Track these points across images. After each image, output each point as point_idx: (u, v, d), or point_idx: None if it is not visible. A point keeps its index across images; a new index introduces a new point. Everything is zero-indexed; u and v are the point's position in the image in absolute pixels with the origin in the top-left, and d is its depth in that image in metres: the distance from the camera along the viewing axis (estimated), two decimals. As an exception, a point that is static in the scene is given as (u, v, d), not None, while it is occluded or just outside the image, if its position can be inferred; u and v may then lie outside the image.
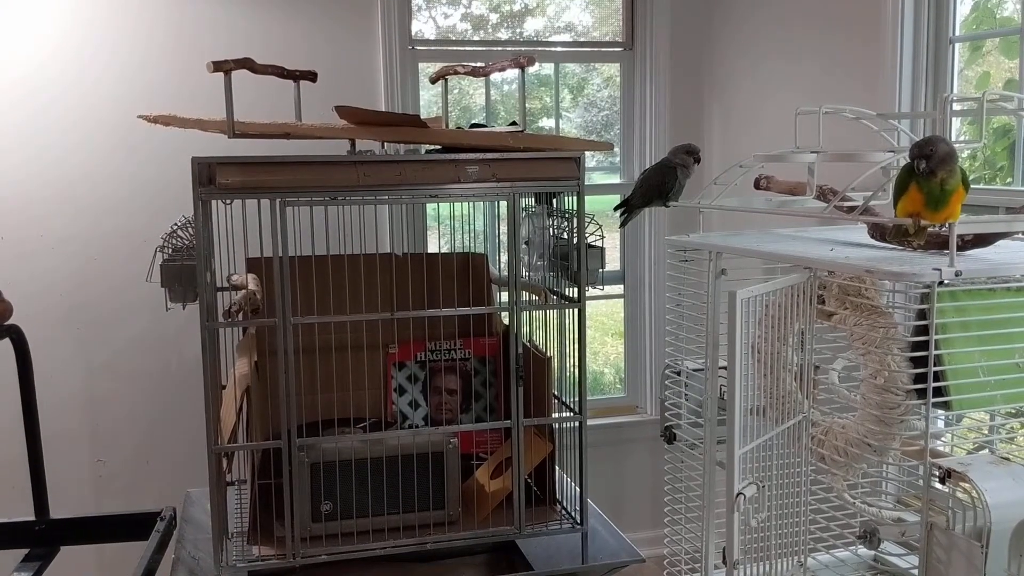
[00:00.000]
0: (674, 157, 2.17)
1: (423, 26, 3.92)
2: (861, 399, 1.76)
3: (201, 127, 2.34)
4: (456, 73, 2.57)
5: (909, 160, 1.52)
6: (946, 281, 1.49)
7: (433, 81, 2.69)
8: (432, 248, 3.68)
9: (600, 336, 6.22)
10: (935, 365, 1.63)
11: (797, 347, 1.78)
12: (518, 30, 4.10)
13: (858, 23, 2.98)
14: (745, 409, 1.58)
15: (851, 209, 1.76)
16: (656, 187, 2.20)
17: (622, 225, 2.32)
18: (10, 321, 2.23)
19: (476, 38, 3.94)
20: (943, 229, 1.55)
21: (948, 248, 1.50)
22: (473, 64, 2.53)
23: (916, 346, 1.62)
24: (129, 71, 3.34)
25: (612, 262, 4.20)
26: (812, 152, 1.83)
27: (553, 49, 3.98)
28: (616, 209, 2.30)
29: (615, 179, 4.17)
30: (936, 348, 1.63)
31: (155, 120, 2.41)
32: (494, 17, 4.08)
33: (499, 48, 3.81)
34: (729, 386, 1.48)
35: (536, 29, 4.09)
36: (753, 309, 1.59)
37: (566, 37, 4.08)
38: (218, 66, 2.15)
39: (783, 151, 1.89)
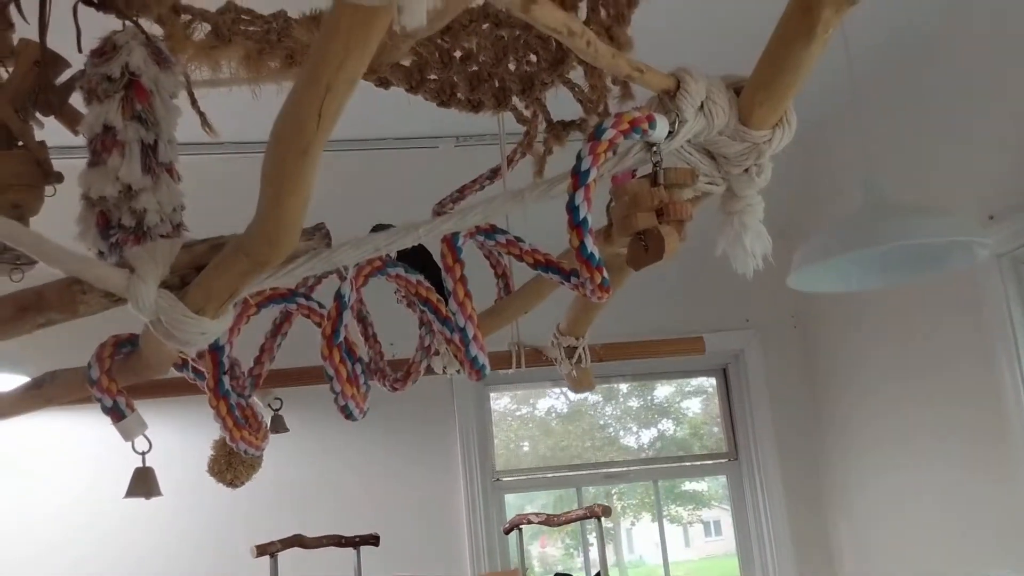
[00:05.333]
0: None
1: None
2: None
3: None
4: (529, 523, 2.34)
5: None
6: None
7: (507, 532, 2.46)
8: None
9: None
10: None
11: None
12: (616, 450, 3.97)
13: (975, 407, 2.68)
14: None
15: None
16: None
17: None
18: None
19: (572, 463, 3.78)
20: None
21: None
22: (547, 513, 2.31)
23: None
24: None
25: None
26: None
27: (653, 467, 3.76)
28: None
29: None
30: None
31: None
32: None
33: (585, 472, 3.62)
34: None
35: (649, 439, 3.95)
36: None
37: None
38: (263, 550, 1.99)
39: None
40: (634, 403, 3.99)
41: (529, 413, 3.90)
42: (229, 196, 2.17)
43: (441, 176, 2.66)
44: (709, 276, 3.09)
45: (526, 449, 3.78)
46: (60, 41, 1.27)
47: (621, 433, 3.97)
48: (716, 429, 3.90)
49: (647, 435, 3.97)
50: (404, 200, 2.72)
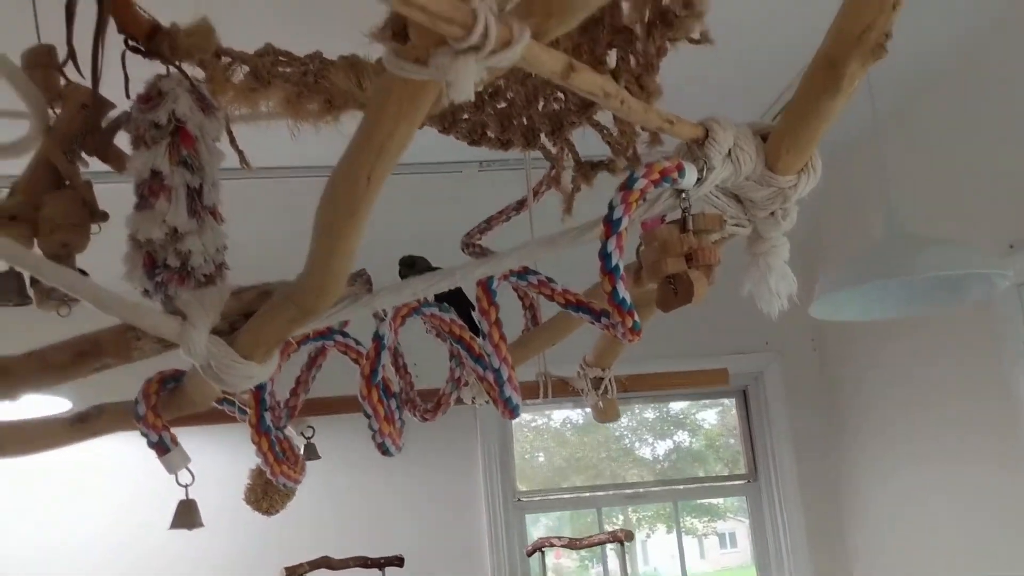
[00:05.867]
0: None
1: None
2: None
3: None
4: (552, 546, 2.37)
5: None
6: None
7: (529, 554, 2.48)
8: None
9: None
10: None
11: None
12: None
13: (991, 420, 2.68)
14: None
15: None
16: None
17: None
18: None
19: (587, 475, 3.79)
20: None
21: None
22: (570, 537, 2.33)
23: None
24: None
25: None
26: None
27: (672, 488, 3.76)
28: None
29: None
30: None
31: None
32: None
33: (607, 492, 3.62)
34: None
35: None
36: None
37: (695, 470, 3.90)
38: (291, 571, 2.03)
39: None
40: (650, 414, 4.00)
41: (544, 424, 3.91)
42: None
43: (465, 200, 2.70)
44: (729, 299, 3.10)
45: (541, 460, 3.79)
46: (103, 84, 1.31)
47: (637, 445, 3.98)
48: (732, 441, 3.90)
49: (663, 447, 3.98)
50: (428, 224, 2.77)
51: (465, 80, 0.66)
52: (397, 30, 0.70)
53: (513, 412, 1.09)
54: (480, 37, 0.65)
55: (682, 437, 4.04)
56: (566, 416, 3.94)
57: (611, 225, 0.98)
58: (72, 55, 1.16)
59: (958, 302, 2.03)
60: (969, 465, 2.84)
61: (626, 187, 0.99)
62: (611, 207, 0.99)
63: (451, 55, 0.66)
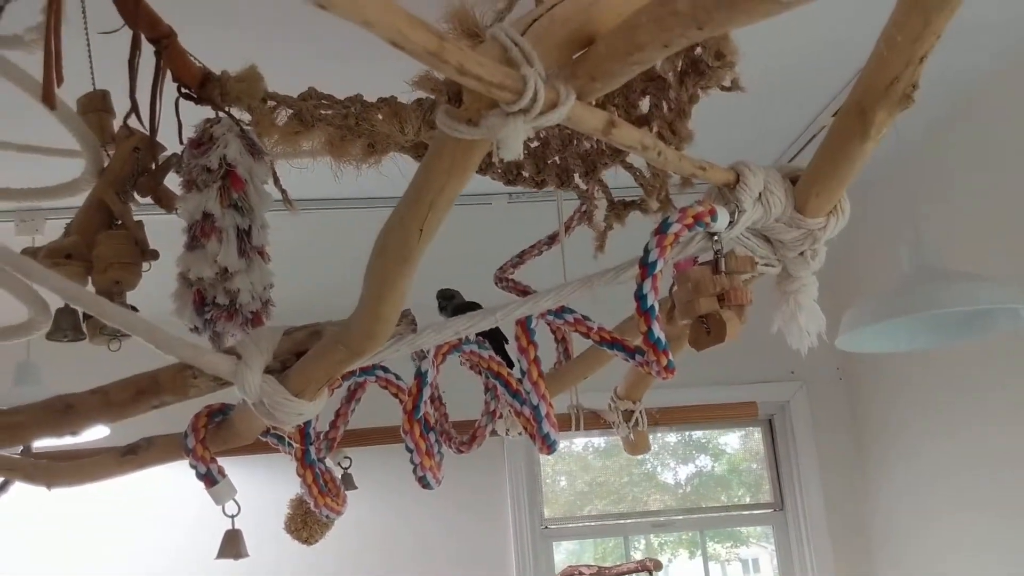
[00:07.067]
0: None
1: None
2: None
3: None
4: (580, 574, 2.39)
5: None
6: None
7: (558, 583, 2.50)
8: None
9: None
10: None
11: None
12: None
13: None
14: None
15: None
16: None
17: None
18: None
19: (611, 501, 3.79)
20: None
21: None
22: (598, 565, 2.35)
23: None
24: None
25: None
26: None
27: (698, 516, 3.76)
28: None
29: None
30: None
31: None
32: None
33: (634, 520, 3.62)
34: None
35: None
36: None
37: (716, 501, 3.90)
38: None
39: None
40: (672, 439, 4.00)
41: (567, 448, 3.91)
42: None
43: (495, 232, 2.73)
44: (755, 328, 3.12)
45: (563, 484, 3.79)
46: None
47: (659, 469, 3.97)
48: (756, 466, 3.89)
49: (685, 471, 3.97)
50: (459, 257, 2.80)
51: (515, 139, 0.71)
52: (452, 94, 0.74)
53: (551, 448, 1.13)
54: (529, 101, 0.69)
55: (704, 462, 4.03)
56: (588, 440, 3.95)
57: (647, 268, 1.02)
58: (135, 107, 1.21)
59: (985, 334, 2.04)
60: (1000, 495, 2.83)
61: (661, 231, 1.02)
62: (646, 251, 1.02)
63: (502, 117, 0.70)
